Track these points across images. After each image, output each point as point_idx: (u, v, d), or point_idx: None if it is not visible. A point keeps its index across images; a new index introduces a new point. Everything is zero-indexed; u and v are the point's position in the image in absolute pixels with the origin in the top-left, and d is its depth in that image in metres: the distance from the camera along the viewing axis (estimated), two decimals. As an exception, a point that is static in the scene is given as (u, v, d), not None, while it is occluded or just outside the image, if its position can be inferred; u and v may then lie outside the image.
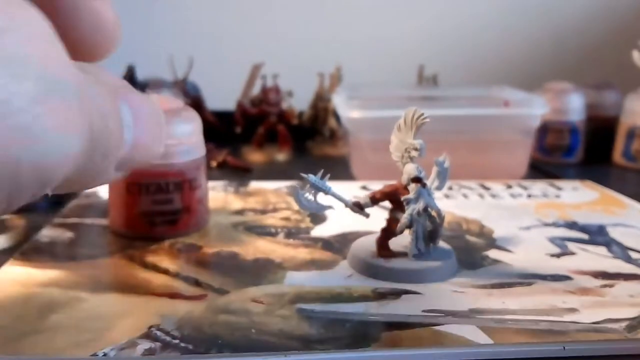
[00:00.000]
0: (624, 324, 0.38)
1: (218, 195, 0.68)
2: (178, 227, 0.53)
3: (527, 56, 1.22)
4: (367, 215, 0.47)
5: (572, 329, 0.38)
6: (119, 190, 0.53)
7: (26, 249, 0.51)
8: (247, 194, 0.69)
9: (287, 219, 0.60)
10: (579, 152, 0.92)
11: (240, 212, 0.62)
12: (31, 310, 0.39)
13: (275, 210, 0.63)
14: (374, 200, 0.47)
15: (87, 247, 0.53)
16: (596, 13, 1.22)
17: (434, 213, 0.46)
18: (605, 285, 0.45)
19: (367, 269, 0.46)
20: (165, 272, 0.46)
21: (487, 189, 0.73)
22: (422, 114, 0.44)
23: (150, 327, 0.37)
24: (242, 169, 0.86)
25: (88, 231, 0.57)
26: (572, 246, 0.53)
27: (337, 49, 1.15)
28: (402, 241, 0.47)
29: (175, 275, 0.45)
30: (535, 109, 0.79)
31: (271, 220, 0.60)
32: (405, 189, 0.46)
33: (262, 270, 0.47)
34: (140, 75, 0.80)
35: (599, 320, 0.39)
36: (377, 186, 0.48)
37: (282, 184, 0.72)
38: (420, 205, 0.45)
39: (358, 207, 0.47)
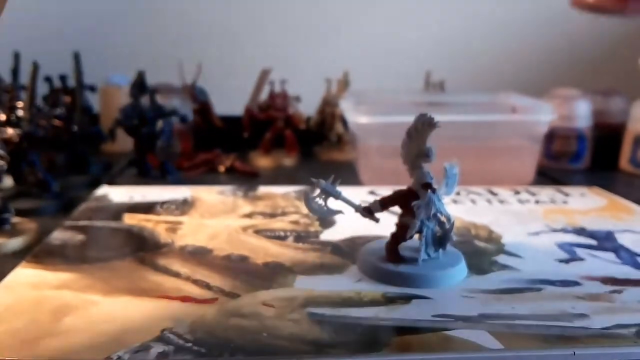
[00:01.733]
0: (633, 330, 0.39)
1: (227, 199, 0.68)
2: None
3: (534, 63, 1.22)
4: (377, 220, 0.48)
5: (583, 335, 0.38)
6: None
7: (38, 252, 0.51)
8: (256, 198, 0.69)
9: (296, 222, 0.60)
10: (585, 158, 0.92)
11: (249, 215, 0.62)
12: (45, 313, 0.40)
13: (284, 214, 0.63)
14: (384, 205, 0.47)
15: (98, 250, 0.53)
16: (603, 21, 1.22)
17: (443, 218, 0.46)
18: (614, 291, 0.45)
19: (377, 274, 0.46)
20: (176, 275, 0.46)
21: (495, 194, 0.73)
22: (432, 119, 0.45)
23: (163, 330, 0.37)
24: (249, 174, 0.87)
25: (99, 234, 0.57)
26: (580, 252, 0.54)
27: (344, 55, 1.16)
28: (411, 246, 0.47)
29: (186, 279, 0.46)
30: (543, 115, 0.79)
31: (280, 224, 0.60)
32: (415, 194, 0.46)
33: (272, 274, 0.47)
34: (150, 80, 0.81)
35: (609, 326, 0.39)
36: (384, 191, 0.48)
37: (291, 189, 0.73)
38: (430, 211, 0.45)
39: (368, 212, 0.47)
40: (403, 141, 0.46)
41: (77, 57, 0.81)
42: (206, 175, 0.88)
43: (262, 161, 0.95)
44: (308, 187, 0.47)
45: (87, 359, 0.34)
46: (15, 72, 0.76)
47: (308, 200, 0.46)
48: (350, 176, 0.82)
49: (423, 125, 0.45)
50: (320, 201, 0.46)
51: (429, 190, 0.45)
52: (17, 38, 0.91)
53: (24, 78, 0.67)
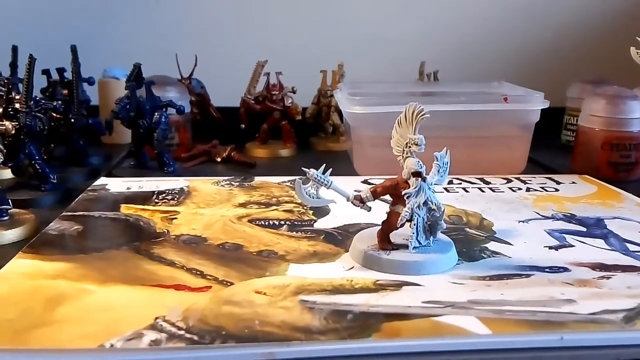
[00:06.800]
0: (621, 315, 0.39)
1: (223, 189, 0.69)
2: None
3: (526, 53, 1.22)
4: (369, 209, 0.48)
5: (570, 320, 0.38)
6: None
7: (35, 242, 0.51)
8: (251, 188, 0.70)
9: (290, 211, 0.61)
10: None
11: (244, 205, 0.63)
12: (39, 302, 0.40)
13: (279, 203, 0.64)
14: (375, 194, 0.48)
15: (94, 240, 0.54)
16: (594, 10, 1.22)
17: (433, 207, 0.47)
18: (602, 277, 0.45)
19: (369, 261, 0.47)
20: (170, 264, 0.47)
21: (487, 183, 0.73)
22: (422, 109, 0.45)
23: (156, 318, 0.38)
24: (246, 165, 0.87)
25: (95, 224, 0.58)
26: (570, 239, 0.54)
27: (339, 46, 1.16)
28: (403, 234, 0.48)
29: (181, 268, 0.46)
30: (534, 104, 0.79)
31: (275, 213, 0.60)
32: (406, 183, 0.46)
33: (266, 262, 0.48)
34: (147, 73, 0.81)
35: (597, 311, 0.39)
36: (378, 181, 0.48)
37: (286, 179, 0.73)
38: (420, 199, 0.46)
39: (359, 201, 0.48)
40: (393, 130, 0.47)
41: (74, 50, 0.82)
42: (203, 166, 0.88)
43: (259, 152, 0.96)
44: (301, 177, 0.47)
45: (80, 347, 0.34)
46: (13, 65, 0.77)
47: (299, 190, 0.46)
48: (346, 166, 0.83)
49: (412, 114, 0.45)
50: (312, 190, 0.47)
51: (420, 179, 0.46)
52: (15, 32, 0.92)
53: (23, 72, 0.67)
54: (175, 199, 0.65)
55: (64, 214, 0.59)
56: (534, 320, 0.38)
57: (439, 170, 0.49)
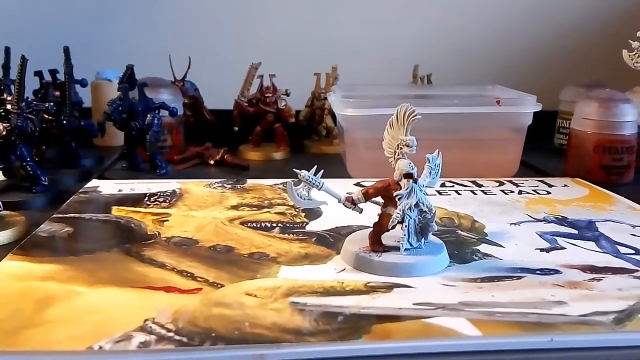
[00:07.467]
0: (611, 317, 0.39)
1: (215, 191, 0.69)
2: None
3: (520, 56, 1.22)
4: (360, 211, 0.48)
5: (561, 322, 0.38)
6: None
7: (25, 244, 0.51)
8: (244, 190, 0.70)
9: (282, 214, 0.61)
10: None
11: (236, 207, 0.63)
12: (28, 304, 0.40)
13: (271, 205, 0.64)
14: (367, 195, 0.48)
15: (85, 242, 0.53)
16: (587, 14, 1.22)
17: (425, 208, 0.47)
18: (593, 279, 0.45)
19: (360, 263, 0.47)
20: (161, 266, 0.47)
21: (479, 185, 0.73)
22: (414, 111, 0.45)
23: (146, 320, 0.37)
24: (239, 167, 0.87)
25: (86, 226, 0.57)
26: (561, 241, 0.54)
27: (333, 49, 1.16)
28: (394, 236, 0.48)
29: (171, 270, 0.46)
30: (527, 107, 0.79)
31: (267, 215, 0.60)
32: (398, 184, 0.46)
33: (257, 265, 0.47)
34: (140, 75, 0.81)
35: (587, 313, 0.39)
36: (371, 183, 0.48)
37: (279, 181, 0.73)
38: (411, 201, 0.46)
39: (351, 203, 0.48)
40: (385, 132, 0.47)
41: (66, 52, 0.81)
42: (196, 168, 0.88)
43: (252, 155, 0.95)
44: (293, 179, 0.47)
45: (69, 349, 0.34)
46: (5, 67, 0.76)
47: (291, 191, 0.46)
48: (339, 169, 0.83)
49: (404, 116, 0.45)
50: (303, 192, 0.47)
51: (411, 180, 0.46)
52: (7, 33, 0.92)
53: (15, 73, 0.67)
54: (167, 201, 0.65)
55: (54, 216, 0.59)
56: (524, 322, 0.38)
57: (430, 172, 0.49)
